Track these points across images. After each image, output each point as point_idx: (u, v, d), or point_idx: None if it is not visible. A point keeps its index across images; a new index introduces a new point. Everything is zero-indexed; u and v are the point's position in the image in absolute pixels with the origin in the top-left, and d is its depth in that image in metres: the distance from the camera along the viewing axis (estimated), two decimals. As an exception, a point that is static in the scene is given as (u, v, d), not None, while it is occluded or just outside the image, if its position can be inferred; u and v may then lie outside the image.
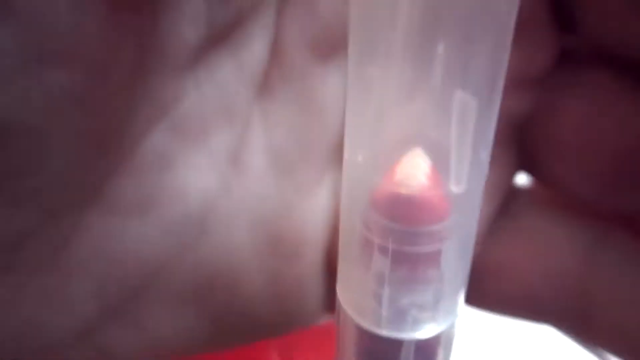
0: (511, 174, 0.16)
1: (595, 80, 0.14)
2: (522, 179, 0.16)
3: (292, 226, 0.15)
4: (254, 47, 0.14)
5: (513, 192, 0.16)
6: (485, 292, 0.16)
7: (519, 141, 0.15)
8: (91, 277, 0.13)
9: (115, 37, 0.11)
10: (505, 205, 0.16)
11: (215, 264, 0.15)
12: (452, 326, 0.13)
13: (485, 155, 0.11)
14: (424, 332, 0.13)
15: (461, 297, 0.13)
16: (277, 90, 0.14)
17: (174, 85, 0.13)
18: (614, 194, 0.15)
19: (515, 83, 0.14)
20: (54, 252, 0.13)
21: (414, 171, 0.11)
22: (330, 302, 0.16)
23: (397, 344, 0.13)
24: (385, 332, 0.13)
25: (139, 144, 0.13)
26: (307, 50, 0.14)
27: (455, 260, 0.12)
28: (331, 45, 0.14)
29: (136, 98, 0.12)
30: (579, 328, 0.15)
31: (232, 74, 0.14)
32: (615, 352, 0.15)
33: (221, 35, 0.13)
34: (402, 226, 0.12)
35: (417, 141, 0.11)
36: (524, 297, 0.16)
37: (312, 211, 0.15)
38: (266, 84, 0.14)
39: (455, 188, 0.11)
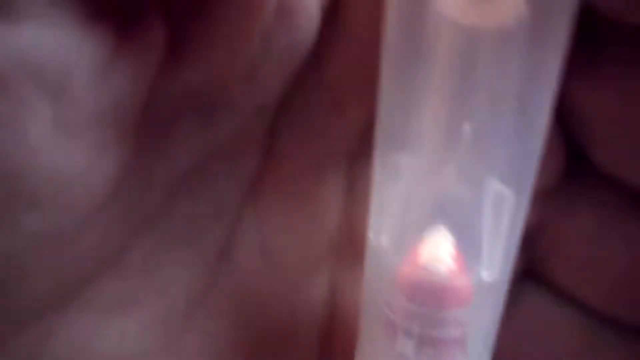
0: (517, 275, 0.16)
1: (603, 196, 0.14)
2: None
3: (283, 319, 0.15)
4: (247, 161, 0.14)
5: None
6: None
7: (525, 248, 0.15)
8: None
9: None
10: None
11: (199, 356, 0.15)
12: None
13: (516, 242, 0.11)
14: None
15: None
16: (270, 192, 0.15)
17: (163, 201, 0.13)
18: (621, 306, 0.15)
19: None
20: (35, 352, 0.13)
21: (439, 253, 0.11)
22: None
23: None
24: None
25: (126, 252, 0.13)
26: (304, 162, 0.15)
27: (480, 343, 0.12)
28: (328, 157, 0.15)
29: (123, 212, 0.13)
30: None
31: (224, 182, 0.14)
32: None
33: (213, 154, 0.14)
34: (428, 310, 0.11)
35: (442, 224, 0.11)
36: None
37: (306, 302, 0.15)
38: (260, 186, 0.15)
39: (487, 277, 0.11)
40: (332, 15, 0.13)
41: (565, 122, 0.13)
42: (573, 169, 0.14)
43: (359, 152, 0.15)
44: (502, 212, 0.10)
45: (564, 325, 0.15)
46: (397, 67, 0.11)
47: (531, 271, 0.16)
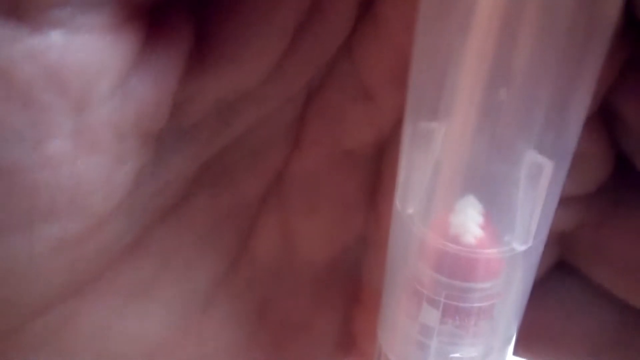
0: (548, 266, 0.16)
1: None
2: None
3: (305, 306, 0.15)
4: (272, 151, 0.14)
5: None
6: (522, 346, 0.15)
7: (562, 243, 0.15)
8: (95, 354, 0.13)
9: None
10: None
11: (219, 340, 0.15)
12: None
13: (551, 212, 0.11)
14: (471, 382, 0.12)
15: (510, 349, 0.12)
16: (296, 181, 0.15)
17: (183, 192, 0.13)
18: None
19: (565, 200, 0.13)
20: (55, 334, 0.13)
21: (469, 224, 0.11)
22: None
23: (443, 394, 0.12)
24: (431, 383, 0.12)
25: (145, 240, 0.13)
26: (331, 152, 0.14)
27: (508, 312, 0.12)
28: (357, 147, 0.15)
29: (142, 205, 0.13)
30: None
31: (247, 172, 0.14)
32: None
33: (236, 145, 0.13)
34: (455, 282, 0.11)
35: (472, 193, 0.11)
36: (561, 354, 0.15)
37: (328, 290, 0.16)
38: (285, 176, 0.15)
39: (520, 246, 0.11)
40: (366, 5, 0.12)
41: (613, 127, 0.13)
42: (620, 174, 0.14)
43: (388, 142, 0.14)
44: (539, 182, 0.10)
45: (598, 312, 0.15)
46: (432, 30, 0.10)
47: (566, 264, 0.15)
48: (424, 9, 0.10)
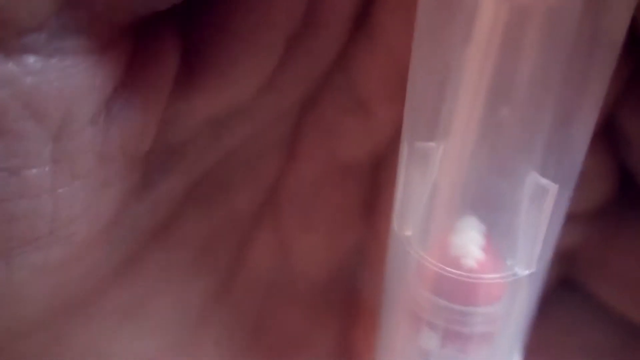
0: (551, 285, 0.15)
1: None
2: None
3: (302, 319, 0.15)
4: (266, 164, 0.14)
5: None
6: None
7: (566, 261, 0.15)
8: None
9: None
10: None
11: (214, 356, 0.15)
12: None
13: (554, 236, 0.10)
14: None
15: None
16: (290, 194, 0.14)
17: (174, 210, 0.13)
18: None
19: (568, 218, 0.13)
20: (45, 353, 0.12)
21: (468, 246, 0.11)
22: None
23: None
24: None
25: (136, 262, 0.13)
26: (327, 164, 0.14)
27: (509, 338, 0.11)
28: (353, 160, 0.14)
29: (131, 227, 0.12)
30: None
31: (240, 186, 0.14)
32: None
33: (228, 160, 0.13)
34: (456, 306, 0.11)
35: (473, 212, 0.11)
36: None
37: (326, 302, 0.15)
38: (279, 189, 0.14)
39: (522, 271, 0.10)
40: (361, 18, 0.12)
41: (619, 149, 0.13)
42: (624, 191, 0.13)
43: (384, 155, 0.14)
44: (543, 206, 0.09)
45: (602, 330, 0.15)
46: (429, 44, 0.10)
47: (570, 282, 0.15)
48: (421, 22, 0.10)
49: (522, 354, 0.12)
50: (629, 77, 0.11)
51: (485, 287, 0.11)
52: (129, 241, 0.12)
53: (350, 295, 0.16)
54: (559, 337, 0.15)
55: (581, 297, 0.15)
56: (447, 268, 0.10)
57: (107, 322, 0.13)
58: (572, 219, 0.13)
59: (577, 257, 0.14)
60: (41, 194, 0.09)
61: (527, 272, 0.10)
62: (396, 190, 0.11)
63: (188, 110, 0.11)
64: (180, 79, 0.10)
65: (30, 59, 0.08)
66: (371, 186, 0.15)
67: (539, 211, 0.10)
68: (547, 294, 0.15)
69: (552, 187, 0.09)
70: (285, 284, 0.15)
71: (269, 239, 0.15)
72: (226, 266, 0.14)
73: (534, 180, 0.09)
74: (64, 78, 0.09)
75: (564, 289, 0.15)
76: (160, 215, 0.12)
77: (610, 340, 0.15)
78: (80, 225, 0.10)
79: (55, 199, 0.09)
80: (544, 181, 0.09)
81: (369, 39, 0.12)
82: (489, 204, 0.10)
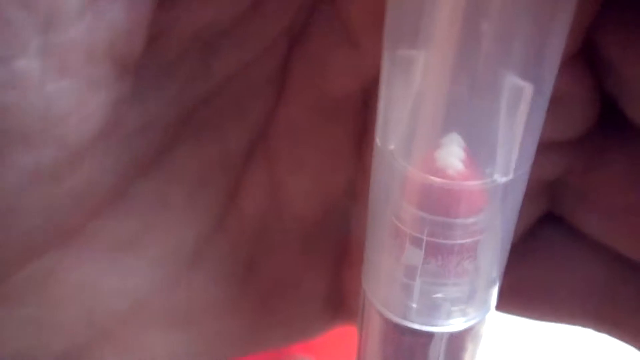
0: (535, 218, 0.15)
1: (636, 147, 0.13)
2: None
3: (293, 261, 0.15)
4: (257, 99, 0.14)
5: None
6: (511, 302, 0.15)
7: (548, 193, 0.15)
8: (81, 305, 0.13)
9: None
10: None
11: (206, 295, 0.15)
12: (483, 320, 0.12)
13: (533, 143, 0.10)
14: (456, 325, 0.12)
15: (495, 290, 0.12)
16: (281, 131, 0.15)
17: (167, 140, 0.13)
18: None
19: (550, 146, 0.13)
20: (40, 286, 0.12)
21: (451, 159, 0.11)
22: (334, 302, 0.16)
23: (427, 336, 0.12)
24: (415, 325, 0.12)
25: (129, 189, 0.13)
26: (317, 99, 0.14)
27: (492, 252, 0.12)
28: (343, 94, 0.14)
29: (122, 148, 0.12)
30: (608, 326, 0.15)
31: (232, 121, 0.14)
32: None
33: (220, 92, 0.13)
34: (438, 218, 0.11)
35: (454, 127, 0.11)
36: (551, 307, 0.15)
37: (317, 245, 0.16)
38: (270, 126, 0.14)
39: (500, 178, 0.10)
40: None
41: (599, 73, 0.13)
42: (605, 119, 0.13)
43: (374, 90, 0.14)
44: (519, 107, 0.10)
45: (587, 264, 0.15)
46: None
47: (553, 215, 0.15)
48: None
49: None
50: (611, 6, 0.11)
51: (466, 196, 0.11)
52: (123, 162, 0.12)
53: (343, 238, 0.16)
54: (543, 272, 0.15)
55: (565, 231, 0.15)
56: (429, 177, 0.11)
57: (102, 257, 0.13)
58: (554, 147, 0.14)
59: (559, 189, 0.15)
60: (31, 86, 0.09)
61: (505, 179, 0.10)
62: (379, 103, 0.11)
63: (173, 22, 0.11)
64: None
65: None
66: (362, 123, 0.15)
67: (515, 115, 0.10)
68: (531, 229, 0.15)
69: (528, 87, 0.09)
70: (278, 224, 0.15)
71: (261, 179, 0.15)
72: (219, 205, 0.15)
73: (511, 83, 0.10)
74: None
75: (548, 223, 0.15)
76: (153, 140, 0.13)
77: (595, 274, 0.15)
78: (70, 126, 0.10)
79: (44, 95, 0.09)
80: (520, 82, 0.09)
81: None
82: (470, 116, 0.10)
